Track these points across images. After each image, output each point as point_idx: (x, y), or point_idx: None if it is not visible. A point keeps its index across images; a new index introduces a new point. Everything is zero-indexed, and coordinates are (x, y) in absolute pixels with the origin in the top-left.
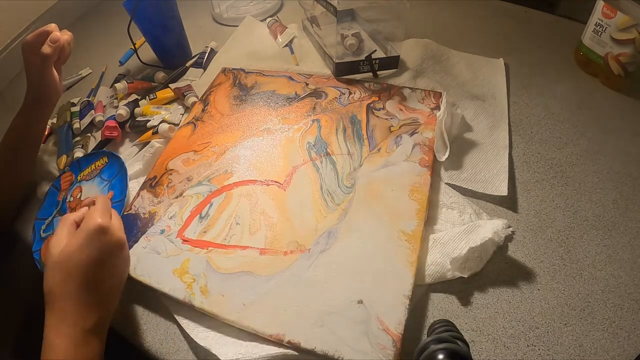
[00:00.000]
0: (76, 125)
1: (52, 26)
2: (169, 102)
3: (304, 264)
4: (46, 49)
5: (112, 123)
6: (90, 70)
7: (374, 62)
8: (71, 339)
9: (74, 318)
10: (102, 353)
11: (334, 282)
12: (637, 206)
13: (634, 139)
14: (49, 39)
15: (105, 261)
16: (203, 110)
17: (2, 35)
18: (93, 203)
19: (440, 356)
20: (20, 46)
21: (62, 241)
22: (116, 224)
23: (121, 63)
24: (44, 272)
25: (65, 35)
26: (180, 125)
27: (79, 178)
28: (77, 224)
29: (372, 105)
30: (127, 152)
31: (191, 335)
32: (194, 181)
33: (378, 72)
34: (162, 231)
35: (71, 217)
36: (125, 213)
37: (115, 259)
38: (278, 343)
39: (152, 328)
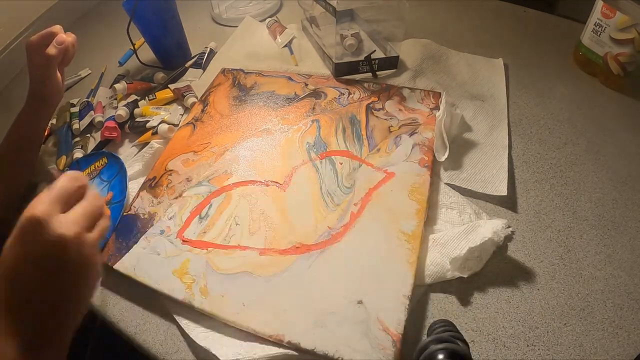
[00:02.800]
0: (75, 126)
1: (57, 28)
2: (169, 103)
3: (304, 264)
4: (52, 50)
5: (111, 124)
6: (90, 71)
7: (373, 62)
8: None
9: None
10: None
11: (334, 282)
12: (637, 206)
13: (633, 139)
14: (54, 40)
15: (40, 263)
16: (202, 110)
17: (2, 35)
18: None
19: (440, 356)
20: (25, 46)
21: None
22: (69, 215)
23: (120, 64)
24: None
25: (69, 37)
26: (179, 125)
27: None
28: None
29: (371, 105)
30: (127, 152)
31: (191, 336)
32: (193, 182)
33: (377, 73)
34: (162, 232)
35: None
36: (125, 214)
37: (57, 261)
38: (278, 343)
39: (152, 328)
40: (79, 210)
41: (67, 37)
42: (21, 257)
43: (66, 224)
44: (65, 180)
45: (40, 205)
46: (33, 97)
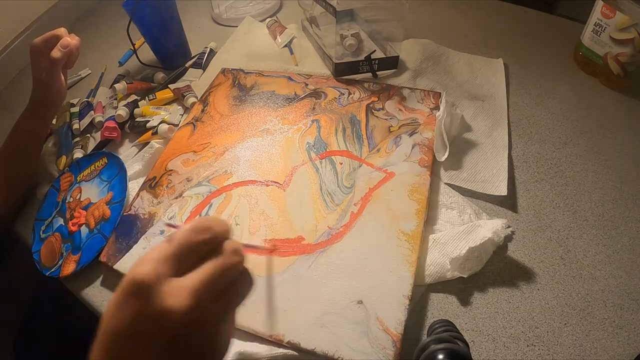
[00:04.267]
0: (76, 126)
1: (62, 30)
2: (169, 103)
3: (304, 264)
4: (56, 53)
5: (111, 124)
6: (90, 71)
7: (373, 62)
8: None
9: None
10: None
11: (334, 282)
12: (637, 206)
13: (633, 139)
14: (59, 43)
15: (142, 344)
16: (202, 110)
17: (2, 35)
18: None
19: (440, 356)
20: (29, 49)
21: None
22: (184, 281)
23: (120, 64)
24: None
25: (73, 40)
26: (179, 125)
27: (78, 179)
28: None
29: (371, 105)
30: (127, 152)
31: None
32: (193, 182)
33: (377, 73)
34: (162, 232)
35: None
36: (124, 214)
37: (160, 338)
38: (278, 343)
39: None
40: (201, 274)
41: (71, 40)
42: (121, 324)
43: (180, 292)
44: (189, 232)
45: (148, 264)
46: (36, 99)
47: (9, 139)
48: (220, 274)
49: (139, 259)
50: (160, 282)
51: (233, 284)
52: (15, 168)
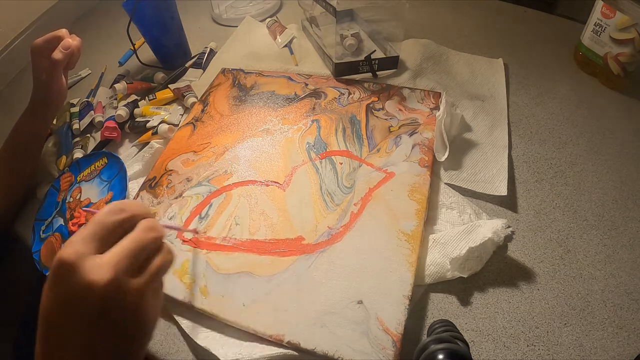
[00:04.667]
0: (75, 126)
1: (63, 31)
2: (169, 103)
3: (304, 264)
4: (57, 54)
5: (111, 124)
6: (90, 71)
7: (373, 62)
8: None
9: None
10: None
11: (334, 282)
12: (637, 206)
13: (633, 139)
14: (61, 45)
15: (73, 314)
16: (202, 110)
17: (2, 35)
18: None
19: (440, 356)
20: (30, 49)
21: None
22: (107, 256)
23: (120, 64)
24: None
25: (75, 41)
26: (179, 125)
27: (78, 179)
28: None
29: (371, 105)
30: (127, 152)
31: (191, 336)
32: (193, 182)
33: (377, 73)
34: None
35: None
36: None
37: (91, 312)
38: (278, 343)
39: None
40: (118, 249)
41: (72, 41)
42: (51, 305)
43: (100, 267)
44: (104, 214)
45: (70, 246)
46: (36, 99)
47: (9, 139)
48: (137, 247)
49: (65, 243)
50: (81, 260)
51: (152, 258)
52: (15, 168)
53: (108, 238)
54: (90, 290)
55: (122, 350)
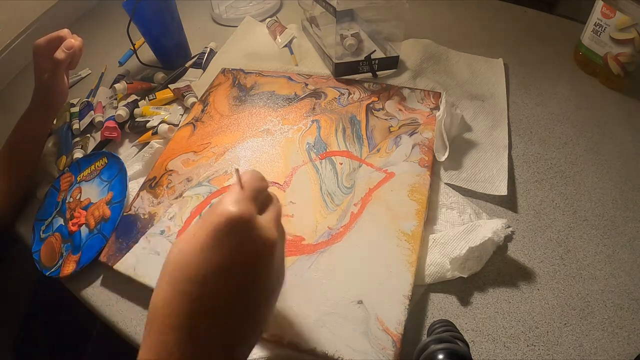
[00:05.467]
0: (75, 126)
1: (65, 31)
2: (169, 103)
3: (304, 264)
4: (60, 55)
5: (111, 124)
6: (90, 71)
7: (373, 62)
8: None
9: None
10: None
11: (334, 282)
12: (637, 206)
13: (633, 139)
14: (63, 45)
15: (237, 273)
16: (202, 110)
17: (2, 35)
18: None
19: (440, 356)
20: (32, 49)
21: (190, 233)
22: (268, 216)
23: (120, 63)
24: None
25: (76, 41)
26: (179, 125)
27: (78, 179)
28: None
29: (371, 105)
30: (127, 152)
31: None
32: (193, 182)
33: (377, 73)
34: (162, 232)
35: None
36: (125, 214)
37: (259, 269)
38: (278, 343)
39: None
40: (274, 212)
41: (74, 41)
42: (212, 267)
43: (269, 226)
44: (257, 180)
45: (239, 204)
46: (37, 99)
47: (9, 139)
48: (279, 213)
49: (217, 203)
50: (255, 218)
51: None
52: (15, 168)
53: (259, 200)
54: (265, 246)
55: (270, 303)
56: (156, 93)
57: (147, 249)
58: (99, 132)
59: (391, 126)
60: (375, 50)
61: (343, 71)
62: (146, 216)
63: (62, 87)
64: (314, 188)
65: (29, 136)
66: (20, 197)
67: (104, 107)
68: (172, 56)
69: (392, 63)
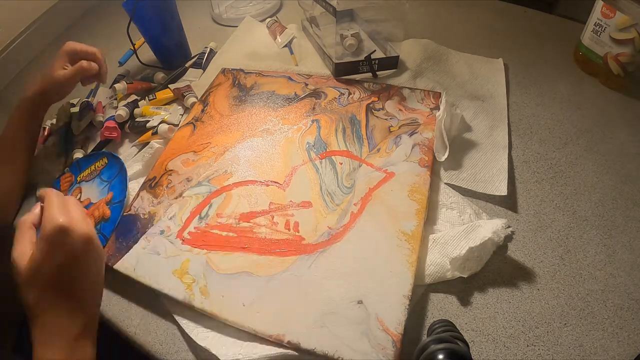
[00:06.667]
0: (76, 126)
1: (97, 50)
2: (169, 103)
3: (304, 264)
4: (86, 64)
5: (111, 124)
6: None
7: (373, 62)
8: (62, 350)
9: (60, 329)
10: (94, 353)
11: (334, 282)
12: (637, 206)
13: (633, 139)
14: (95, 60)
15: (76, 263)
16: (202, 110)
17: (2, 35)
18: (42, 200)
19: (440, 356)
20: (65, 45)
21: (26, 252)
22: (76, 216)
23: (120, 63)
24: (18, 290)
25: (101, 68)
26: (179, 125)
27: (78, 179)
28: (36, 225)
29: (371, 105)
30: (127, 152)
31: (191, 336)
32: (193, 182)
33: (377, 73)
34: (162, 232)
35: (28, 220)
36: (125, 214)
37: (86, 256)
38: (278, 343)
39: (152, 328)
40: (82, 212)
41: (98, 64)
42: (62, 262)
43: (82, 222)
44: (55, 193)
45: (58, 215)
46: (38, 88)
47: (5, 131)
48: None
49: (49, 213)
50: (70, 221)
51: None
52: (8, 163)
53: (66, 204)
54: (86, 239)
55: (101, 273)
56: (156, 93)
57: (147, 249)
58: (99, 132)
59: (391, 126)
60: (375, 50)
61: (343, 71)
62: (146, 216)
63: (65, 87)
64: (313, 188)
65: (24, 128)
66: (19, 195)
67: (104, 107)
68: (172, 56)
69: (392, 63)
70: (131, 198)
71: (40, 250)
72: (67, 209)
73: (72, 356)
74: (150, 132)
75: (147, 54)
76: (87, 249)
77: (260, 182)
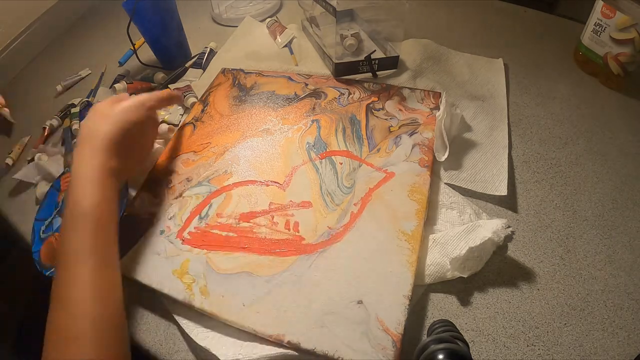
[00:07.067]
0: (76, 126)
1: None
2: None
3: (304, 264)
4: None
5: None
6: (90, 71)
7: (373, 62)
8: (94, 172)
9: (100, 156)
10: (117, 194)
11: (334, 282)
12: (637, 206)
13: (633, 139)
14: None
15: (129, 125)
16: (202, 110)
17: (2, 35)
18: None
19: (440, 356)
20: (146, 112)
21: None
22: (133, 101)
23: (120, 64)
24: (84, 120)
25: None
26: (179, 125)
27: None
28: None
29: (371, 105)
30: None
31: (191, 336)
32: (193, 182)
33: (377, 73)
34: (162, 232)
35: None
36: (124, 214)
37: (136, 126)
38: (278, 343)
39: (152, 328)
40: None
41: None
42: (123, 120)
43: (131, 106)
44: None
45: (120, 99)
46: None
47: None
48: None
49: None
50: (123, 101)
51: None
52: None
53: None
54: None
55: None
56: None
57: (147, 249)
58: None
59: (391, 126)
60: (375, 50)
61: (343, 71)
62: (146, 216)
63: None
64: (313, 188)
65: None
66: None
67: None
68: (172, 56)
69: (392, 63)
70: (131, 198)
71: (116, 114)
72: (136, 100)
73: (100, 172)
74: None
75: (147, 54)
76: (148, 116)
77: (260, 182)
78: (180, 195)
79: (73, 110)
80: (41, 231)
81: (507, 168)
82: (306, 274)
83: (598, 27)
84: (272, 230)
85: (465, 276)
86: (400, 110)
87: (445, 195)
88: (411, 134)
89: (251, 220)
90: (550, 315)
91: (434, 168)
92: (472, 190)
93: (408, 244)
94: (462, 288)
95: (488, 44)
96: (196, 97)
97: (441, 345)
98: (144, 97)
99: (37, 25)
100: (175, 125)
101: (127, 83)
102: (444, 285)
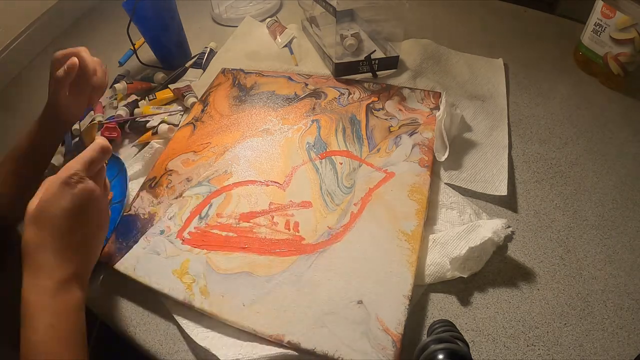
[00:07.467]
0: (75, 126)
1: (81, 49)
2: (169, 103)
3: (304, 264)
4: (60, 72)
5: (111, 124)
6: None
7: (373, 62)
8: (47, 290)
9: (49, 270)
10: (81, 303)
11: (334, 282)
12: (637, 206)
13: (633, 139)
14: (66, 63)
15: (77, 211)
16: (202, 110)
17: (2, 35)
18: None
19: (440, 356)
20: (51, 60)
21: (37, 196)
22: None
23: (121, 63)
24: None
25: (84, 61)
26: (179, 125)
27: None
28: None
29: (371, 105)
30: (127, 152)
31: (191, 336)
32: (193, 182)
33: (377, 73)
34: (162, 232)
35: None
36: (125, 214)
37: (87, 207)
38: (278, 343)
39: (152, 328)
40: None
41: (78, 61)
42: (64, 207)
43: (89, 180)
44: (93, 146)
45: (73, 167)
46: (45, 110)
47: (14, 148)
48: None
49: (68, 164)
50: (78, 174)
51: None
52: (16, 178)
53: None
54: (88, 192)
55: (97, 232)
56: (156, 93)
57: (147, 249)
58: (99, 132)
59: (391, 126)
60: (375, 50)
61: (343, 71)
62: (146, 216)
63: (67, 106)
64: (314, 188)
65: (36, 144)
66: (22, 205)
67: (104, 107)
68: (172, 56)
69: (392, 63)
70: (131, 198)
71: (48, 193)
72: (85, 164)
73: (55, 297)
74: (150, 132)
75: (147, 54)
76: (89, 202)
77: (260, 182)
78: (180, 195)
79: None
80: None
81: (507, 168)
82: (306, 274)
83: (598, 27)
84: (272, 230)
85: (465, 276)
86: (400, 110)
87: (445, 195)
88: (411, 134)
89: (251, 220)
90: (550, 315)
91: (434, 168)
92: (472, 190)
93: (408, 244)
94: (462, 288)
95: (488, 44)
96: (196, 97)
97: (441, 345)
98: (62, 173)
99: (37, 25)
100: (175, 125)
101: (127, 83)
102: (444, 285)
